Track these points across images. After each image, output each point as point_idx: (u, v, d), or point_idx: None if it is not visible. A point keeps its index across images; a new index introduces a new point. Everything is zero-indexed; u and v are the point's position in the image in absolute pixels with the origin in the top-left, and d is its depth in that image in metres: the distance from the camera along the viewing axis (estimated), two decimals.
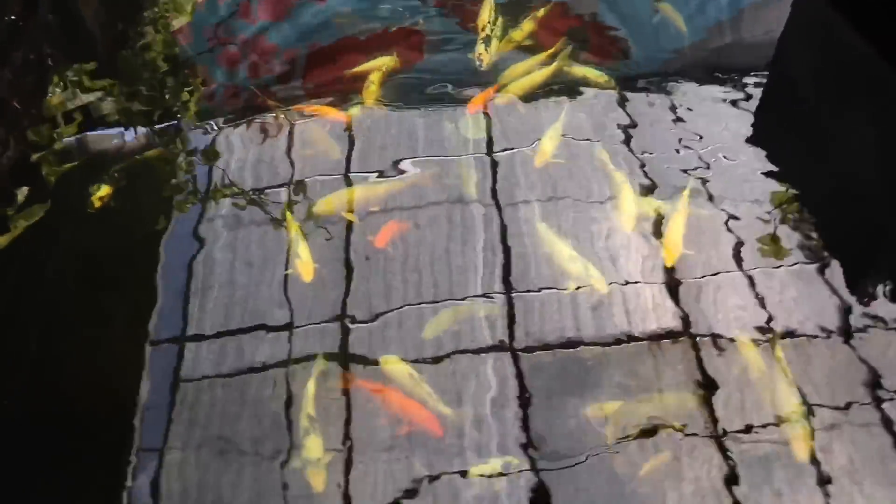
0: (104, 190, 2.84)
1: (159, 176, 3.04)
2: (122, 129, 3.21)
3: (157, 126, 3.25)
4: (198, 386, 2.31)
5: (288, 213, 2.77)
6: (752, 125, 3.14)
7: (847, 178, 2.97)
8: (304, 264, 2.58)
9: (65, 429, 2.24)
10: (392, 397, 2.23)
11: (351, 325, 2.45)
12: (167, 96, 3.39)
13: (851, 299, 2.49)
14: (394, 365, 2.31)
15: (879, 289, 2.53)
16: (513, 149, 3.04)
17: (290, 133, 3.15)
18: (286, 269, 2.60)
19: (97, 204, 2.81)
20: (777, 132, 3.16)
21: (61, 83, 3.35)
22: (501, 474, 2.09)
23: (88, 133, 3.19)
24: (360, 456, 2.14)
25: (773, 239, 2.70)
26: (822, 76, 3.35)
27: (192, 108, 3.32)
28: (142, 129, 3.23)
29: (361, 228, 2.75)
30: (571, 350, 2.35)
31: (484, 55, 3.43)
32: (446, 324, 2.42)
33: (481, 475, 2.09)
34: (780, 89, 3.35)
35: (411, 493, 2.07)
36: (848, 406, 2.21)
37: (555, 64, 3.35)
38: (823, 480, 2.07)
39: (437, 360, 2.35)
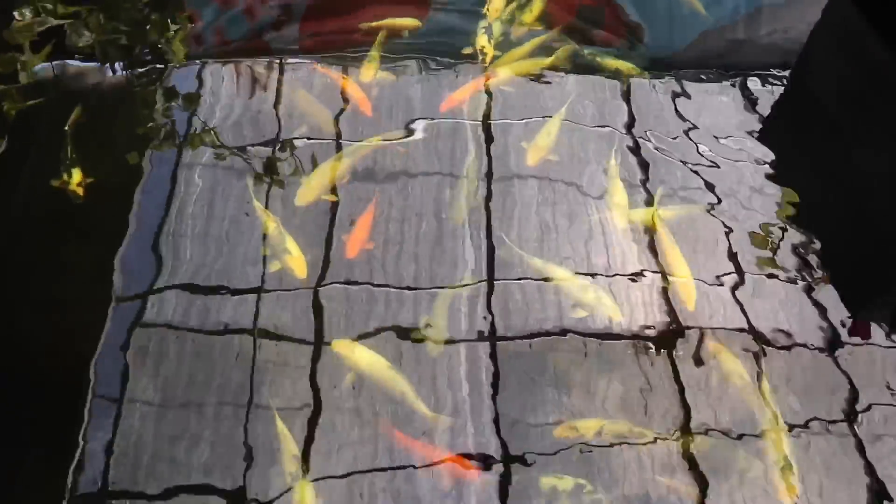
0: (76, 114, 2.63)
1: (135, 118, 2.88)
2: (96, 63, 3.04)
3: (136, 63, 3.08)
4: (160, 339, 2.24)
5: (264, 212, 2.56)
6: (763, 128, 3.09)
7: (859, 197, 2.92)
8: (296, 259, 2.44)
9: (18, 376, 2.16)
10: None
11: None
12: (150, 31, 3.20)
13: (839, 319, 2.48)
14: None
15: (877, 315, 2.52)
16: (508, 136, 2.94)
17: (281, 85, 3.02)
18: (264, 265, 2.43)
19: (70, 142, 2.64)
20: (789, 139, 3.11)
21: (30, 6, 3.12)
22: None
23: (57, 64, 3.00)
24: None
25: (772, 249, 2.68)
26: (846, 86, 3.29)
27: (177, 48, 3.15)
28: (119, 66, 3.06)
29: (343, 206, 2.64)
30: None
31: (487, 48, 3.19)
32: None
33: None
34: (799, 94, 3.28)
35: (372, 456, 2.04)
36: (824, 420, 2.23)
37: (552, 58, 3.20)
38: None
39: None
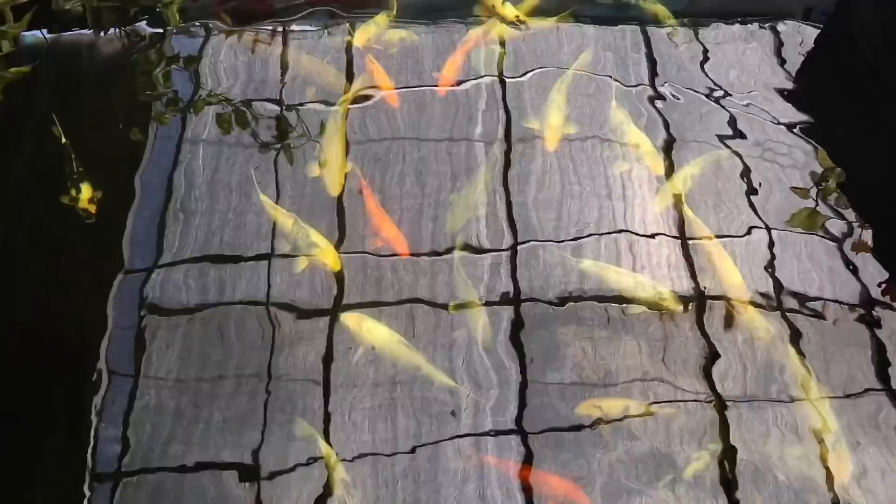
0: None
1: (134, 86, 2.81)
2: (88, 29, 2.95)
3: (130, 27, 2.99)
4: (169, 315, 2.21)
5: (273, 207, 2.43)
6: (796, 79, 2.94)
7: None
8: (327, 252, 2.31)
9: (29, 353, 2.16)
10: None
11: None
12: None
13: (873, 281, 2.38)
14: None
15: None
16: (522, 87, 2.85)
17: (286, 46, 2.92)
18: (288, 264, 2.31)
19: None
20: (824, 91, 2.97)
21: None
22: None
23: (45, 33, 2.91)
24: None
25: (809, 202, 2.58)
26: (891, 33, 3.07)
27: (175, 9, 3.04)
28: (113, 30, 2.97)
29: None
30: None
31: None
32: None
33: None
34: (836, 43, 3.11)
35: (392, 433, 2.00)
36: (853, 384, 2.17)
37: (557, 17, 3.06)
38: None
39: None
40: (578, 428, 2.05)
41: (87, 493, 1.92)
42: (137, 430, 2.00)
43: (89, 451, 1.97)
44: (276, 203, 2.45)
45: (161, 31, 3.00)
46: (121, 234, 2.37)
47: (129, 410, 2.03)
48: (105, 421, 2.01)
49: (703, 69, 2.96)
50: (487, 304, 2.26)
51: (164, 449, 1.97)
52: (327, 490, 1.93)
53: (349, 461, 1.97)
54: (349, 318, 2.19)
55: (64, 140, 2.41)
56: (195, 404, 2.04)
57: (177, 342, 2.15)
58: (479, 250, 2.39)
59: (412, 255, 2.34)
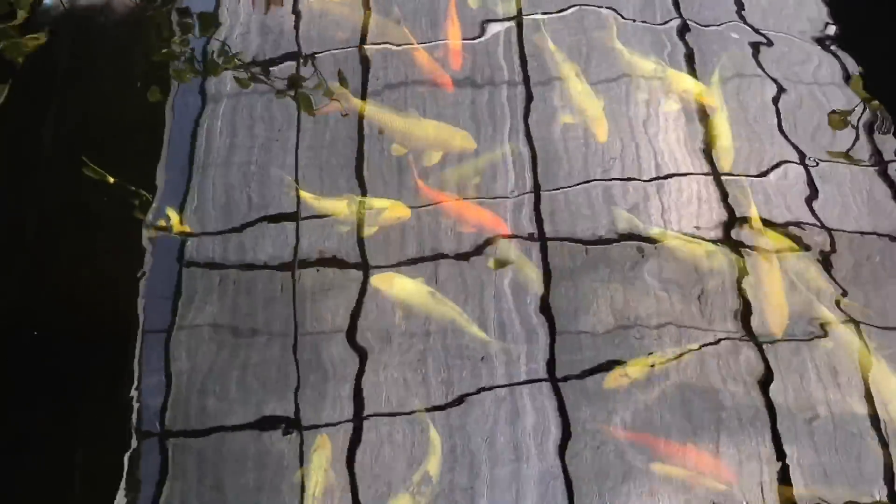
0: None
1: (149, 46, 2.81)
2: None
3: None
4: (203, 274, 2.26)
5: (318, 201, 2.37)
6: (832, 8, 2.83)
7: None
8: (396, 207, 2.32)
9: (65, 315, 2.22)
10: None
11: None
12: None
13: None
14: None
15: None
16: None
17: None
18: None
19: None
20: (863, 19, 2.85)
21: None
22: None
23: None
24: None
25: (847, 129, 2.51)
26: None
27: None
28: None
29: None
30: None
31: None
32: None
33: None
34: None
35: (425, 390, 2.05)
36: None
37: None
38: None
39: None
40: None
41: (131, 449, 2.00)
42: (177, 387, 2.07)
43: (131, 410, 2.04)
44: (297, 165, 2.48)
45: None
46: (149, 197, 2.42)
47: (166, 371, 2.09)
48: (144, 380, 2.08)
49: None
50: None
51: (205, 402, 2.05)
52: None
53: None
54: (380, 280, 2.22)
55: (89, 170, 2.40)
56: (232, 360, 2.10)
57: (209, 301, 2.20)
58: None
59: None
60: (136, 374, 2.10)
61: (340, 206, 2.36)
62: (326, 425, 2.01)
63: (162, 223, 2.32)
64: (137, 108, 2.65)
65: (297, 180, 2.39)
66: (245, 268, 2.27)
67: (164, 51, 2.79)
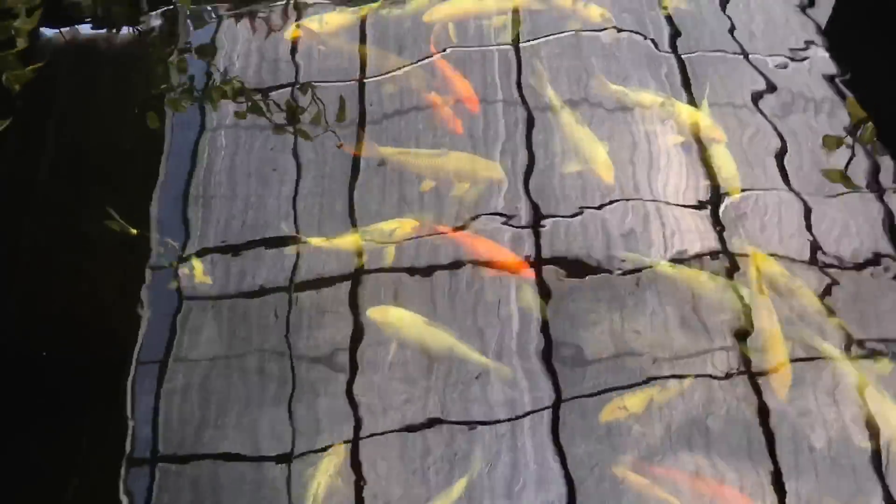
0: None
1: (150, 76, 2.85)
2: (98, 18, 2.99)
3: (143, 16, 3.03)
4: (200, 305, 2.25)
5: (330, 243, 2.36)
6: (826, 26, 2.89)
7: None
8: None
9: (62, 344, 2.21)
10: None
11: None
12: None
13: None
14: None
15: None
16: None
17: (299, 26, 2.94)
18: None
19: None
20: (856, 39, 2.90)
21: None
22: None
23: (60, 27, 2.94)
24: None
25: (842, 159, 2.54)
26: None
27: None
28: (125, 21, 3.02)
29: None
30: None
31: None
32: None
33: None
34: None
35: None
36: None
37: None
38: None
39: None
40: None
41: (123, 479, 1.97)
42: (170, 415, 2.05)
43: (126, 437, 2.02)
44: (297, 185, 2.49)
45: (174, 17, 3.03)
46: (146, 223, 2.43)
47: (161, 397, 2.08)
48: (138, 408, 2.07)
49: (725, 20, 2.93)
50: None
51: (200, 430, 2.03)
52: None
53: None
54: (375, 312, 2.22)
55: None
56: (225, 389, 2.09)
57: (205, 328, 2.20)
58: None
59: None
60: (130, 401, 2.09)
61: (353, 241, 2.36)
62: (322, 450, 1.99)
63: (186, 271, 2.30)
64: (135, 137, 2.68)
65: (297, 226, 2.39)
66: (242, 295, 2.27)
67: (162, 82, 2.83)
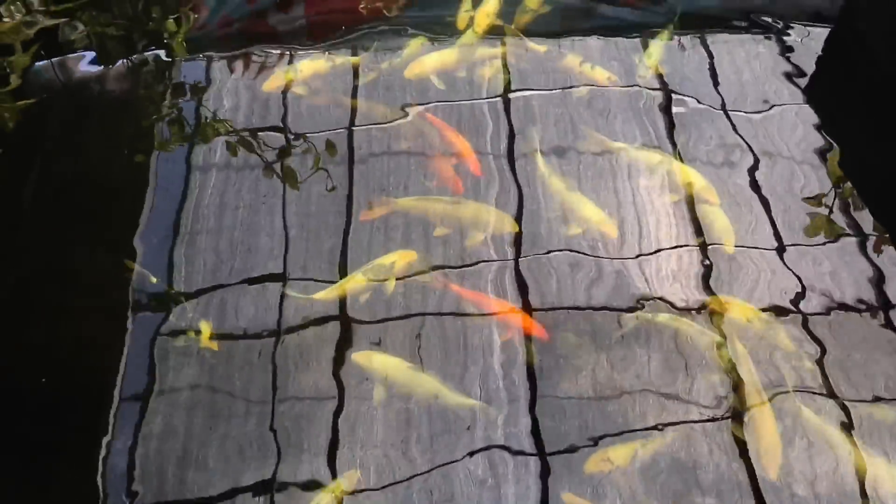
0: None
1: (140, 115, 2.89)
2: (92, 57, 3.02)
3: (136, 58, 3.07)
4: (183, 339, 2.24)
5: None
6: (807, 86, 2.97)
7: None
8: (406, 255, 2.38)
9: (41, 380, 2.18)
10: None
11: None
12: (150, 24, 3.21)
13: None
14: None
15: None
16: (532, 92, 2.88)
17: (291, 72, 2.99)
18: None
19: None
20: (835, 94, 2.99)
21: (16, 2, 3.02)
22: None
23: (50, 62, 2.96)
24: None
25: (824, 209, 2.59)
26: None
27: (180, 40, 3.14)
28: (119, 61, 3.05)
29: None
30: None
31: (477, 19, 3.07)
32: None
33: None
34: (846, 45, 3.12)
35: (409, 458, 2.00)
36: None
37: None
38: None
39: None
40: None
41: None
42: (150, 457, 2.02)
43: (100, 478, 1.98)
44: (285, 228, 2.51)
45: (167, 59, 3.08)
46: (131, 260, 2.42)
47: (140, 438, 2.05)
48: (116, 448, 2.03)
49: (709, 77, 3.00)
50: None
51: (180, 474, 2.00)
52: None
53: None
54: (359, 357, 2.21)
55: None
56: (209, 430, 2.07)
57: (186, 366, 2.18)
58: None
59: None
60: (107, 441, 2.05)
61: (356, 281, 2.36)
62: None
63: (191, 334, 2.26)
64: (123, 173, 2.69)
65: (284, 280, 2.38)
66: (225, 336, 2.25)
67: (153, 117, 2.86)
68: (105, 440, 2.05)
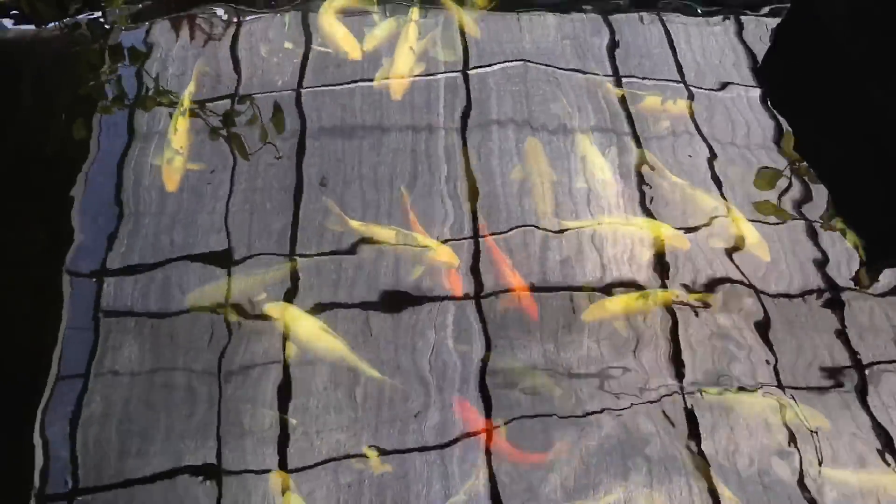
0: None
1: (77, 80, 2.82)
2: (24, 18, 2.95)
3: (71, 18, 2.99)
4: (122, 324, 2.23)
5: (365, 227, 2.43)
6: (761, 63, 3.04)
7: (876, 137, 2.78)
8: (441, 251, 2.38)
9: None
10: None
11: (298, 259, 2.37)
12: None
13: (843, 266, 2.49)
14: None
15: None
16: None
17: (238, 33, 2.95)
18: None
19: None
20: (790, 74, 3.05)
21: None
22: None
23: None
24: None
25: (775, 191, 2.67)
26: (859, 10, 3.01)
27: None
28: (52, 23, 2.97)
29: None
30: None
31: None
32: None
33: None
34: (801, 23, 3.15)
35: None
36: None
37: None
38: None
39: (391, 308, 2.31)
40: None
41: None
42: (88, 441, 2.03)
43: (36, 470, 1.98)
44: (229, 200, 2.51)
45: (103, 20, 3.01)
46: (67, 234, 2.39)
47: (79, 420, 2.05)
48: (53, 431, 2.03)
49: (666, 58, 3.05)
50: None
51: (120, 457, 2.01)
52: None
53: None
54: (272, 309, 2.26)
55: None
56: (147, 410, 2.08)
57: (126, 346, 2.18)
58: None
59: None
60: (41, 422, 2.05)
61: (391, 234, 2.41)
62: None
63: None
64: (60, 143, 2.64)
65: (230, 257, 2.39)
66: (168, 314, 2.25)
67: (91, 83, 2.80)
68: (39, 421, 2.05)
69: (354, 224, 2.45)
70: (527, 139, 2.72)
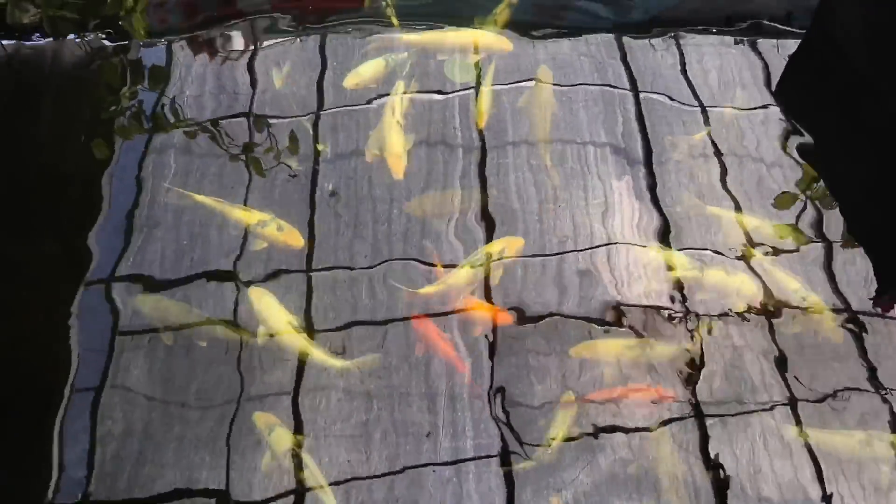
0: None
1: (96, 101, 2.90)
2: (42, 38, 3.02)
3: (91, 38, 3.08)
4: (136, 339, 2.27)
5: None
6: (778, 85, 3.07)
7: (893, 164, 2.80)
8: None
9: None
10: None
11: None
12: (107, 1, 3.20)
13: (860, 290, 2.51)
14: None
15: None
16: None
17: (256, 53, 3.02)
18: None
19: None
20: (808, 96, 3.07)
21: None
22: None
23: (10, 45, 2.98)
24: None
25: (793, 214, 2.70)
26: (876, 33, 3.01)
27: (138, 18, 3.15)
28: (73, 41, 3.05)
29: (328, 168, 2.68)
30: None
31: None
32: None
33: None
34: (819, 45, 3.18)
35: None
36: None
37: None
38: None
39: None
40: None
41: None
42: (104, 454, 2.07)
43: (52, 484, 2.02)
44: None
45: (123, 42, 3.09)
46: (85, 253, 2.44)
47: (93, 435, 2.10)
48: (69, 446, 2.08)
49: (681, 77, 3.09)
50: None
51: (134, 471, 2.04)
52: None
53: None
54: (253, 292, 2.33)
55: None
56: (162, 426, 2.12)
57: (142, 362, 2.22)
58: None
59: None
60: (58, 439, 2.09)
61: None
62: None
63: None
64: (78, 160, 2.70)
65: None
66: (183, 328, 2.30)
67: (111, 108, 2.86)
68: (55, 438, 2.09)
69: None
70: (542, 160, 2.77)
